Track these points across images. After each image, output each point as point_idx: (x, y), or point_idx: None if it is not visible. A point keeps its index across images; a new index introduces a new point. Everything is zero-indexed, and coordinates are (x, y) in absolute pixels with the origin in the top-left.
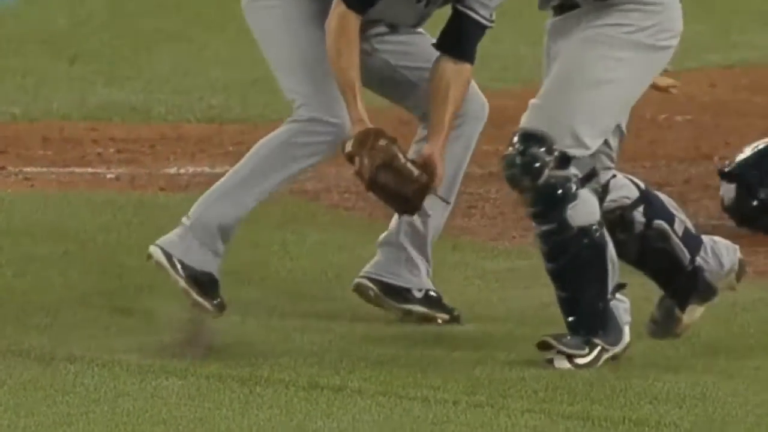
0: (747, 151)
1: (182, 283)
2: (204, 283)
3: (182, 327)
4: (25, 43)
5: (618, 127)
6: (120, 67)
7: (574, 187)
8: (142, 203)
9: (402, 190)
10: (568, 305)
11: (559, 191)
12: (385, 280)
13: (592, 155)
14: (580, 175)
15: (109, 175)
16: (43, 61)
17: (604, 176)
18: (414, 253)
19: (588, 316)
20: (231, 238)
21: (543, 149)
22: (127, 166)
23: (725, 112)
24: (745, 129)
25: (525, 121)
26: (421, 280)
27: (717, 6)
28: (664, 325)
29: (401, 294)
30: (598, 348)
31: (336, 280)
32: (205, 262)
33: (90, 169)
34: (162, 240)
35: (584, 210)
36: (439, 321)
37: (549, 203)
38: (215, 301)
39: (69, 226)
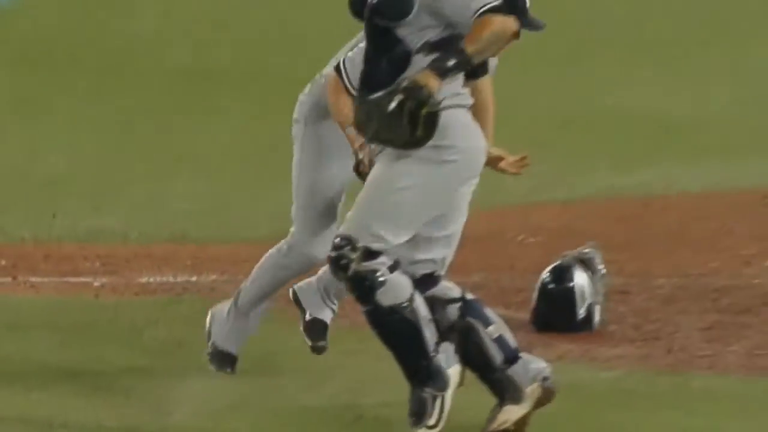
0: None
1: None
2: None
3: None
4: (29, 186)
5: (447, 237)
6: (104, 200)
7: (381, 276)
8: (121, 305)
9: None
10: (401, 366)
11: (367, 281)
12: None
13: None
14: (389, 263)
15: (95, 283)
16: (41, 198)
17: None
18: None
19: (416, 373)
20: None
21: (349, 248)
22: (109, 276)
23: (568, 235)
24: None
25: (341, 228)
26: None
27: (558, 148)
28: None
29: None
30: (433, 398)
31: None
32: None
33: (81, 279)
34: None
35: (392, 293)
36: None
37: (360, 291)
38: None
39: (64, 321)
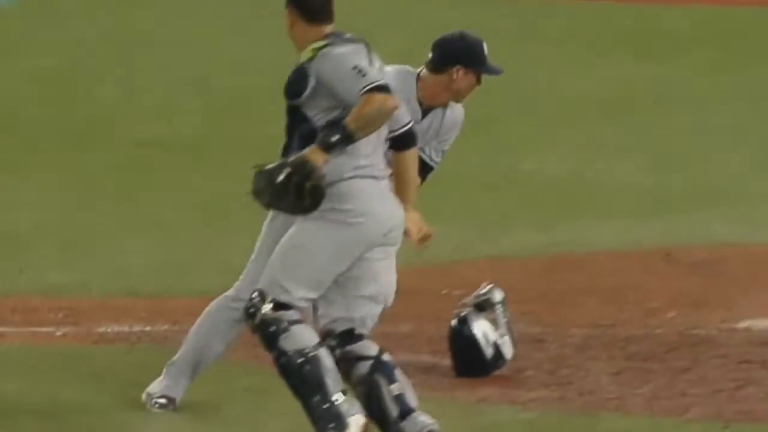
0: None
1: None
2: None
3: None
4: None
5: (367, 298)
6: (67, 256)
7: (284, 324)
8: (81, 352)
9: None
10: (305, 409)
11: (271, 328)
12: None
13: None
14: (295, 317)
15: (58, 333)
16: (9, 255)
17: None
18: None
19: (318, 417)
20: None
21: (259, 299)
22: (71, 326)
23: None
24: None
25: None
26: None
27: (483, 208)
28: None
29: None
30: None
31: None
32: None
33: (45, 329)
34: None
35: (295, 340)
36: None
37: (265, 337)
38: None
39: (31, 366)
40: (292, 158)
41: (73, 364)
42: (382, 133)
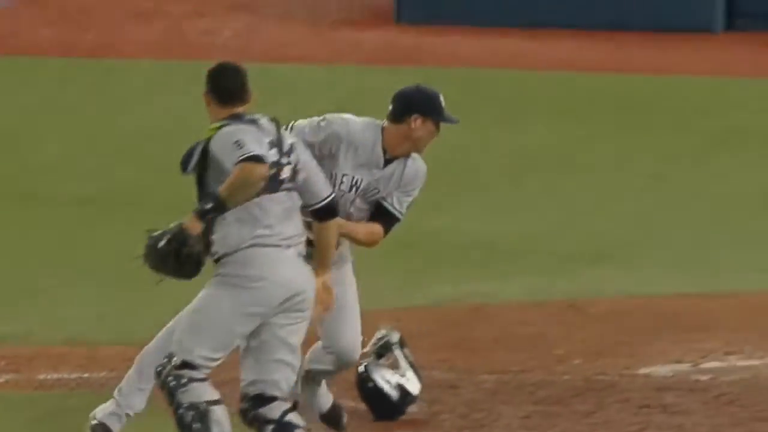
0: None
1: None
2: None
3: None
4: None
5: (282, 361)
6: (8, 308)
7: (185, 380)
8: (23, 399)
9: None
10: None
11: (172, 383)
12: None
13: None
14: (198, 376)
15: (0, 380)
16: None
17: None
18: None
19: None
20: None
21: (167, 359)
22: (12, 374)
23: (407, 336)
24: None
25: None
26: None
27: (400, 264)
28: None
29: None
30: None
31: None
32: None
33: None
34: None
35: (192, 395)
36: None
37: (167, 391)
38: None
39: None
40: (172, 225)
41: (15, 410)
42: (289, 204)
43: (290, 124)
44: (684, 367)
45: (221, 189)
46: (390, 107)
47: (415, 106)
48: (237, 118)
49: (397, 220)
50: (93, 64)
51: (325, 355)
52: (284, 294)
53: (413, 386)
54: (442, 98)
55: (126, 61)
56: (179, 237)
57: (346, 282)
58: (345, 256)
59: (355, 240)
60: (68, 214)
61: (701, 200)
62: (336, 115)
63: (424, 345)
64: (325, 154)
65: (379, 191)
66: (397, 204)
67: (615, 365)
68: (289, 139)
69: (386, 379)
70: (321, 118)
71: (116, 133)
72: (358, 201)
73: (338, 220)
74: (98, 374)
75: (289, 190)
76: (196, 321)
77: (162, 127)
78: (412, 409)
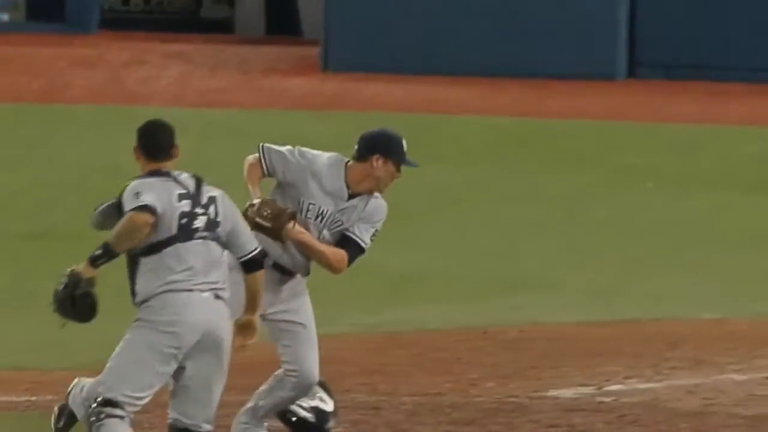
0: None
1: None
2: None
3: None
4: None
5: (203, 399)
6: None
7: (103, 416)
8: None
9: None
10: None
11: (92, 419)
12: None
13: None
14: (117, 413)
15: None
16: None
17: None
18: None
19: None
20: None
21: (95, 397)
22: None
23: (329, 362)
24: None
25: None
26: None
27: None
28: None
29: None
30: None
31: None
32: None
33: None
34: None
35: (106, 430)
36: None
37: (88, 426)
38: None
39: None
40: (68, 271)
41: None
42: (208, 252)
43: (260, 145)
44: (588, 389)
45: (110, 237)
46: (355, 146)
47: (378, 147)
48: (154, 173)
49: (360, 249)
50: (40, 109)
51: (286, 380)
52: (196, 335)
53: (327, 405)
54: (404, 142)
55: (70, 106)
56: (72, 281)
57: (307, 310)
58: (303, 287)
59: (323, 260)
60: (18, 248)
61: (603, 233)
62: (305, 149)
63: (348, 370)
64: (290, 181)
65: (342, 223)
66: (359, 233)
67: (525, 388)
68: (210, 193)
69: (300, 406)
70: (291, 147)
71: (62, 172)
72: (325, 233)
73: (311, 239)
74: (45, 397)
75: (204, 239)
76: (118, 362)
77: (104, 166)
78: (335, 429)
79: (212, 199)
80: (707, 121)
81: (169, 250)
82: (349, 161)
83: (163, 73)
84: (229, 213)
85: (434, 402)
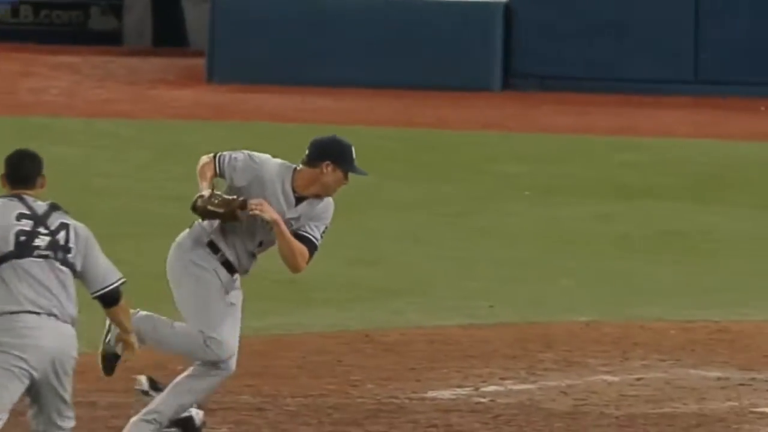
0: None
1: None
2: None
3: None
4: None
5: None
6: None
7: None
8: None
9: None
10: None
11: None
12: None
13: None
14: None
15: None
16: None
17: None
18: None
19: None
20: None
21: None
22: None
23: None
24: None
25: None
26: None
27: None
28: None
29: None
30: None
31: None
32: None
33: None
34: None
35: None
36: None
37: None
38: None
39: None
40: None
41: None
42: (45, 273)
43: (217, 154)
44: (466, 390)
45: None
46: (306, 152)
47: (328, 154)
48: (6, 195)
49: (315, 246)
50: None
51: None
52: (45, 361)
53: (195, 415)
54: (354, 151)
55: None
56: None
57: (240, 299)
58: (239, 284)
59: (290, 249)
60: None
61: (483, 240)
62: (255, 153)
63: (234, 372)
64: (240, 186)
65: (292, 225)
66: (310, 230)
67: (404, 389)
68: (63, 219)
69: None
70: (243, 152)
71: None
72: (273, 234)
73: (283, 225)
74: None
75: (47, 258)
76: None
77: None
78: (219, 429)
79: (64, 225)
80: (580, 131)
81: (5, 265)
82: (297, 166)
83: (52, 83)
84: (83, 244)
85: (317, 403)
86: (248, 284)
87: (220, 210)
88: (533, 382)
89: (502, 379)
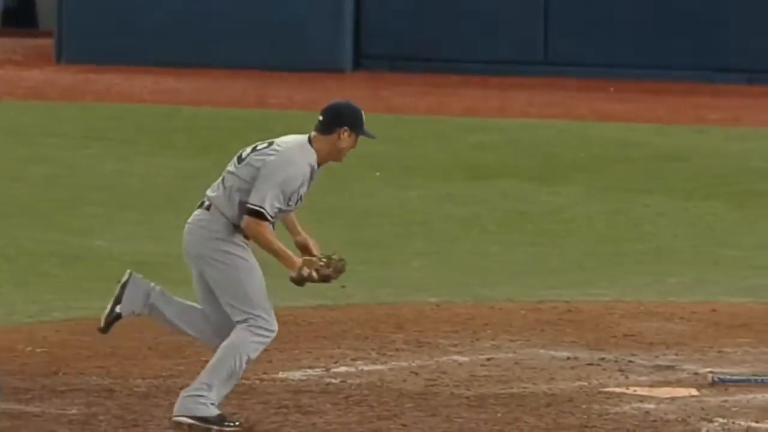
0: None
1: None
2: None
3: None
4: None
5: None
6: None
7: None
8: None
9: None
10: None
11: None
12: None
13: None
14: None
15: None
16: None
17: None
18: None
19: None
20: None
21: None
22: None
23: (68, 347)
24: None
25: None
26: None
27: (61, 279)
28: None
29: None
30: None
31: None
32: None
33: None
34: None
35: None
36: None
37: None
38: None
39: None
40: None
41: None
42: None
43: (259, 210)
44: (316, 371)
45: None
46: (320, 118)
47: (345, 120)
48: None
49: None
50: None
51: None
52: None
53: None
54: (363, 115)
55: None
56: None
57: None
58: None
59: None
60: None
61: (334, 221)
62: (282, 153)
63: (83, 354)
64: (303, 193)
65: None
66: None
67: (254, 370)
68: None
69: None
70: (277, 181)
71: None
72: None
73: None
74: None
75: None
76: None
77: None
78: (69, 410)
79: None
80: (431, 112)
81: None
82: (311, 136)
83: None
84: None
85: (167, 384)
86: (95, 266)
87: (334, 275)
88: (384, 363)
89: (353, 359)
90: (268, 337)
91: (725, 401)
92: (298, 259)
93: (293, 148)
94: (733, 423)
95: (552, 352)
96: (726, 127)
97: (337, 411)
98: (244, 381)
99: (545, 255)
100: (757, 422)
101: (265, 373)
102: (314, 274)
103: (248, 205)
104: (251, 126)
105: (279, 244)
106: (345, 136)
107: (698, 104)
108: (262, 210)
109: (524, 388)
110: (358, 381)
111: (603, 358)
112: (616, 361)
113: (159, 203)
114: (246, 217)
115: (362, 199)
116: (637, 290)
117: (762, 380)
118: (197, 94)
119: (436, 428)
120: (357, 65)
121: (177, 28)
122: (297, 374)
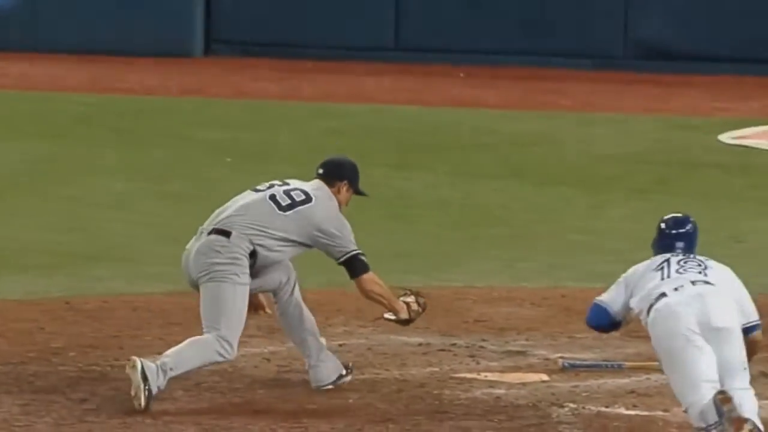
0: None
1: None
2: None
3: None
4: None
5: None
6: None
7: None
8: None
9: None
10: None
11: None
12: None
13: None
14: None
15: None
16: None
17: None
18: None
19: None
20: None
21: None
22: None
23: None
24: None
25: None
26: None
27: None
28: None
29: None
30: None
31: None
32: None
33: None
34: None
35: None
36: None
37: None
38: None
39: None
40: None
41: None
42: None
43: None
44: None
45: None
46: (321, 171)
47: (345, 175)
48: None
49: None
50: None
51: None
52: None
53: None
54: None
55: None
56: None
57: None
58: None
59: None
60: None
61: (184, 207)
62: (335, 216)
63: None
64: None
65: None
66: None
67: (106, 357)
68: None
69: None
70: (347, 229)
71: None
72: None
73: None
74: None
75: None
76: None
77: None
78: None
79: None
80: (283, 97)
81: None
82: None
83: None
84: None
85: (17, 371)
86: None
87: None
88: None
89: None
90: (224, 358)
91: (576, 386)
92: (402, 303)
93: (327, 200)
94: (584, 408)
95: (404, 338)
96: (576, 112)
97: (188, 397)
98: (94, 368)
99: (395, 240)
100: (607, 407)
101: (116, 359)
102: (420, 310)
103: (347, 258)
104: (98, 111)
105: (387, 294)
106: (344, 190)
107: (548, 90)
108: (360, 252)
109: (376, 374)
110: (210, 368)
111: (454, 344)
112: (467, 347)
113: (4, 188)
114: (363, 278)
115: (212, 185)
116: (488, 275)
117: (611, 365)
118: (45, 79)
119: (288, 415)
120: (208, 50)
121: (23, 12)
122: (148, 361)
